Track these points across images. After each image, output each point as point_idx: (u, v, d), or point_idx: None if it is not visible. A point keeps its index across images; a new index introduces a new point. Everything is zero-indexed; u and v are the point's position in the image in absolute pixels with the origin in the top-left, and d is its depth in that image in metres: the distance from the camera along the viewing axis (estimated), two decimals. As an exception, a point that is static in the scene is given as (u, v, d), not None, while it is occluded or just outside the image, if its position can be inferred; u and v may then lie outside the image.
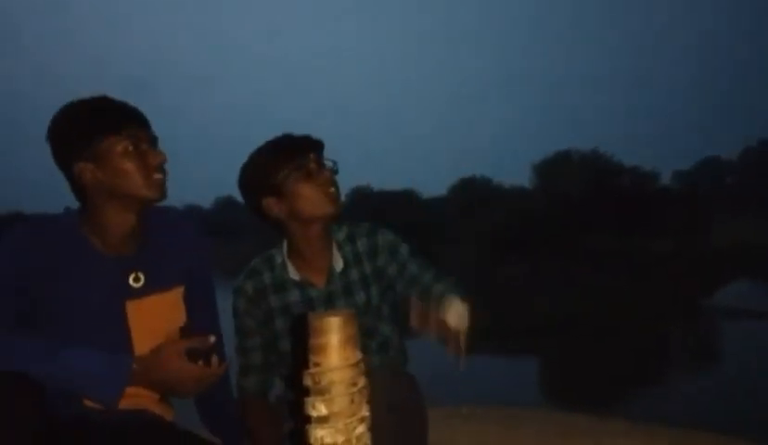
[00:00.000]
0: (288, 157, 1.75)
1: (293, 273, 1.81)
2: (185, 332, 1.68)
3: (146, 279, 1.59)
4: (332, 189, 1.76)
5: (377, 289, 1.85)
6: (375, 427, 1.52)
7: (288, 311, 1.80)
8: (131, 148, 1.51)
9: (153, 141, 1.57)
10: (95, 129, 1.51)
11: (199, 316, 1.71)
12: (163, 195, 1.56)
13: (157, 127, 1.61)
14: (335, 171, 1.79)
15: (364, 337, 1.82)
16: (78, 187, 1.54)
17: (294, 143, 1.79)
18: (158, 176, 1.55)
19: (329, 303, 1.80)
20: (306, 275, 1.82)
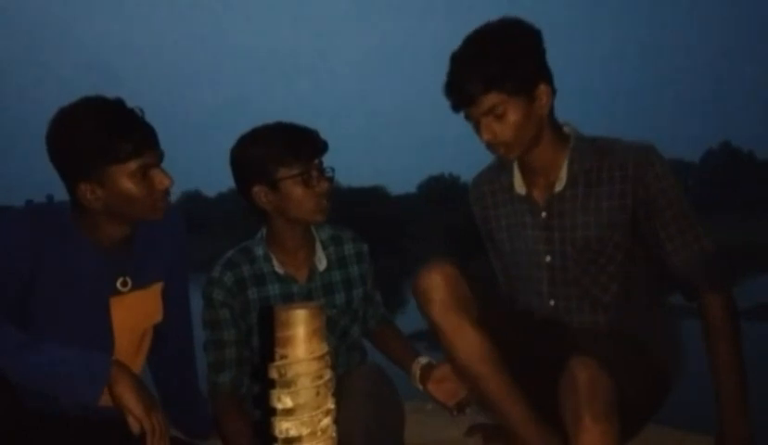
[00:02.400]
0: (293, 157, 1.71)
1: (277, 266, 1.80)
2: (159, 329, 1.69)
3: (132, 281, 1.59)
4: (325, 201, 1.75)
5: (359, 293, 1.88)
6: (354, 419, 1.57)
7: (266, 304, 1.78)
8: (139, 174, 1.47)
9: (160, 159, 1.51)
10: (105, 155, 1.44)
11: (175, 311, 1.72)
12: (162, 216, 1.54)
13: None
14: (331, 180, 1.77)
15: (337, 338, 1.83)
16: (78, 201, 1.50)
17: (302, 142, 1.73)
18: (162, 203, 1.52)
19: (309, 300, 1.79)
20: (288, 269, 1.81)
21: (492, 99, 1.63)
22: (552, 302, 1.74)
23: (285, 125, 1.76)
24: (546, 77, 1.66)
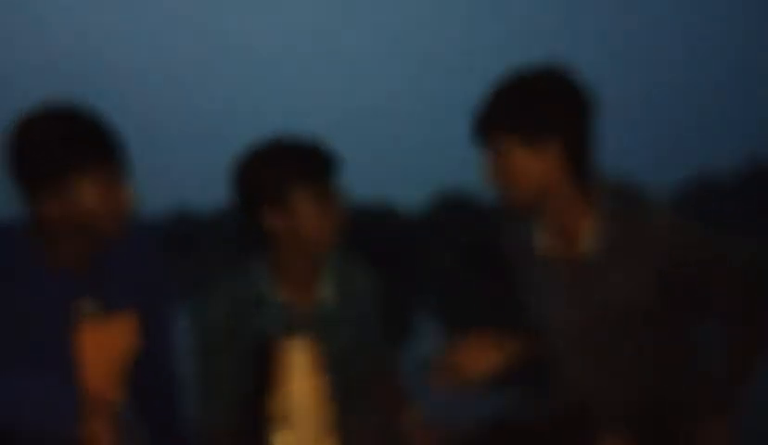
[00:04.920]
0: (307, 176, 1.70)
1: (277, 293, 1.78)
2: (139, 359, 1.68)
3: (99, 303, 1.58)
4: (339, 223, 1.75)
5: (364, 327, 1.88)
6: None
7: (264, 333, 1.76)
8: (102, 187, 1.46)
9: (125, 174, 1.51)
10: (66, 165, 1.42)
11: (153, 339, 1.70)
12: (124, 234, 1.54)
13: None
14: (345, 200, 1.78)
15: (337, 373, 1.81)
16: (36, 214, 1.49)
17: (317, 161, 1.72)
18: (122, 218, 1.51)
19: (309, 331, 1.78)
20: (289, 296, 1.79)
21: (496, 139, 1.67)
22: (574, 365, 1.77)
23: (296, 141, 1.74)
24: (567, 139, 1.66)
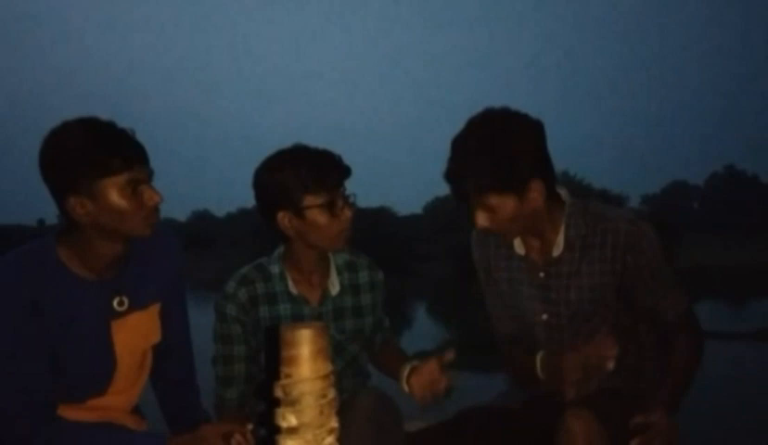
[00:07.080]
0: (319, 185, 1.71)
1: (291, 286, 1.80)
2: (158, 349, 1.69)
3: (129, 301, 1.59)
4: (348, 229, 1.76)
5: (369, 321, 1.88)
6: (355, 442, 1.56)
7: (277, 323, 1.77)
8: (128, 189, 1.47)
9: (150, 176, 1.52)
10: (94, 167, 1.44)
11: (175, 332, 1.72)
12: (153, 233, 1.54)
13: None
14: (354, 206, 1.77)
15: (344, 363, 1.83)
16: (68, 217, 1.50)
17: (328, 169, 1.73)
18: (151, 219, 1.52)
19: (320, 320, 1.79)
20: (301, 291, 1.81)
21: (482, 198, 1.68)
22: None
23: (310, 150, 1.75)
24: (541, 172, 1.68)
